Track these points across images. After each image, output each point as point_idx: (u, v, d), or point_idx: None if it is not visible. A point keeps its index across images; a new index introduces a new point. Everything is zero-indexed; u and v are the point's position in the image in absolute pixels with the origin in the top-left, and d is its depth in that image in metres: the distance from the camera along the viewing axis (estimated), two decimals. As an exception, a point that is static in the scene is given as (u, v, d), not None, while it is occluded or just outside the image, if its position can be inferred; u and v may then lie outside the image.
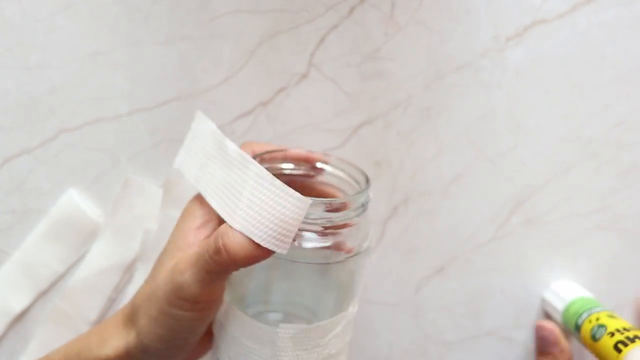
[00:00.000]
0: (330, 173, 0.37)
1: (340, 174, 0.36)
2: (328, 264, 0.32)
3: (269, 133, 0.46)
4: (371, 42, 0.45)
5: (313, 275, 0.33)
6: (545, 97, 0.46)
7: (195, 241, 0.31)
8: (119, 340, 0.33)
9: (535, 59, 0.46)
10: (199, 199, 0.33)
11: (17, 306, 0.46)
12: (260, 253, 0.27)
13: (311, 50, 0.45)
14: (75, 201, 0.46)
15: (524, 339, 0.50)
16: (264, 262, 0.28)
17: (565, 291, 0.47)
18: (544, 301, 0.49)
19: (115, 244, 0.46)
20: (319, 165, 0.37)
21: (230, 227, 0.28)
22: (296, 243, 0.30)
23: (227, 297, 0.32)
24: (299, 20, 0.45)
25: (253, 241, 0.27)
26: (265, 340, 0.30)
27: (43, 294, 0.47)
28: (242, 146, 0.37)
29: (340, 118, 0.46)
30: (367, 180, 0.34)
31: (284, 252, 0.27)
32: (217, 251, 0.28)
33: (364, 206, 0.32)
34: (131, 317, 0.33)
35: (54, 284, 0.47)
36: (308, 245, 0.30)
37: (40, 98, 0.45)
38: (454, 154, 0.47)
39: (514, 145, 0.47)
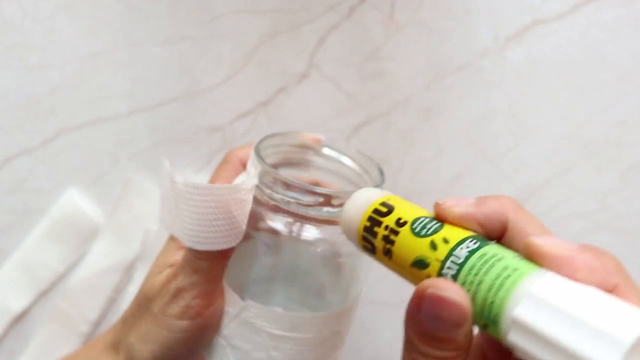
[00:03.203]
0: (341, 163, 0.35)
1: (352, 164, 0.35)
2: (332, 257, 0.32)
3: (269, 133, 0.46)
4: (371, 42, 0.45)
5: (321, 269, 0.33)
6: (545, 97, 0.46)
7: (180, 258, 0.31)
8: None
9: (535, 59, 0.46)
10: None
11: (17, 306, 0.46)
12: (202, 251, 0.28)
13: (311, 50, 0.45)
14: (75, 201, 0.46)
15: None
16: (264, 257, 0.28)
17: None
18: None
19: (115, 244, 0.46)
20: (326, 152, 0.36)
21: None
22: (295, 234, 0.30)
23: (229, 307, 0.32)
24: (299, 20, 0.45)
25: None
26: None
27: (43, 294, 0.47)
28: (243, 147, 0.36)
29: (340, 118, 0.46)
30: (381, 173, 0.32)
31: (234, 243, 0.28)
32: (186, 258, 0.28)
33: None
34: (121, 336, 0.32)
35: (54, 284, 0.47)
36: (309, 236, 0.30)
37: (40, 98, 0.45)
38: (454, 154, 0.47)
39: (514, 145, 0.47)
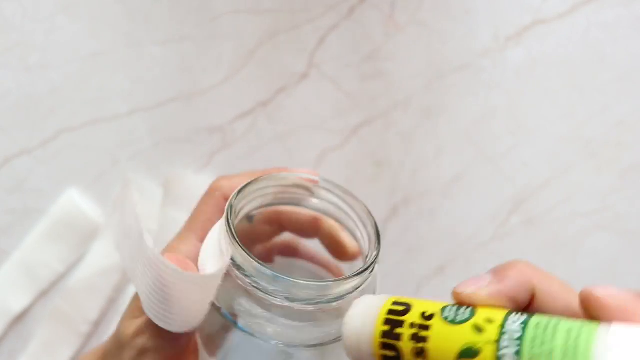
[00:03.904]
0: (338, 207, 0.31)
1: (350, 212, 0.30)
2: (323, 344, 0.27)
3: (269, 133, 0.46)
4: (371, 42, 0.45)
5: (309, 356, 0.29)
6: (545, 97, 0.46)
7: None
8: None
9: (535, 59, 0.46)
10: (169, 252, 0.30)
11: (17, 306, 0.46)
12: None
13: (311, 50, 0.45)
14: (75, 201, 0.46)
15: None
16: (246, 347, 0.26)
17: None
18: None
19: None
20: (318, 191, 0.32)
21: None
22: (279, 328, 0.26)
23: None
24: (299, 20, 0.45)
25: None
26: None
27: (43, 294, 0.47)
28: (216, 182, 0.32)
29: (340, 118, 0.46)
30: (377, 236, 0.28)
31: (193, 327, 0.25)
32: None
33: (370, 275, 0.27)
34: None
35: (54, 284, 0.47)
36: (294, 330, 0.26)
37: (40, 98, 0.45)
38: (454, 154, 0.47)
39: (514, 145, 0.47)
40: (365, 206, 0.30)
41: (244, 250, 0.25)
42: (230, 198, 0.27)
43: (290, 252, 0.35)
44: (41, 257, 0.46)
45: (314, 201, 0.31)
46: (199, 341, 0.29)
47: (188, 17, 0.44)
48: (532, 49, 0.45)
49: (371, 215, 0.29)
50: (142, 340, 0.27)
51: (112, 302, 0.47)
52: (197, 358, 0.29)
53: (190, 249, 0.29)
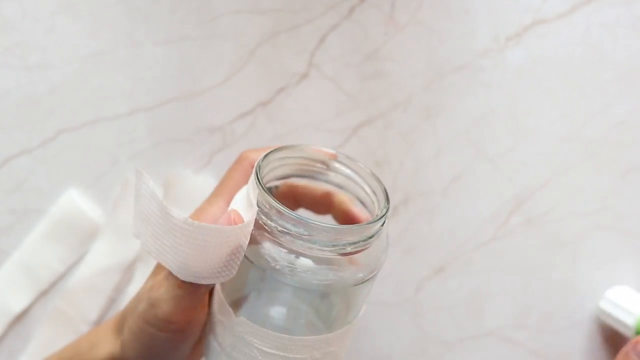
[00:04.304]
0: (353, 180, 0.34)
1: (363, 184, 0.33)
2: (328, 292, 0.30)
3: (269, 133, 0.46)
4: (371, 42, 0.45)
5: (316, 299, 0.32)
6: (545, 97, 0.46)
7: None
8: (107, 346, 0.32)
9: (535, 59, 0.46)
10: (198, 214, 0.32)
11: (17, 306, 0.46)
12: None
13: (311, 50, 0.45)
14: (75, 201, 0.46)
15: (525, 339, 0.50)
16: (263, 286, 0.28)
17: (628, 302, 0.46)
18: (601, 311, 0.48)
19: (115, 244, 0.46)
20: (334, 164, 0.34)
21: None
22: (299, 269, 0.29)
23: (221, 316, 0.31)
24: (299, 20, 0.45)
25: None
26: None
27: (43, 294, 0.47)
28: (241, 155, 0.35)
29: (340, 118, 0.46)
30: (387, 198, 0.30)
31: (227, 278, 0.27)
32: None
33: (381, 228, 0.29)
34: (120, 325, 0.33)
35: (54, 284, 0.47)
36: (305, 268, 0.29)
37: (40, 98, 0.45)
38: (454, 154, 0.47)
39: (514, 145, 0.47)
40: (374, 174, 0.32)
41: (269, 195, 0.27)
42: (258, 160, 0.30)
43: None
44: (41, 257, 0.46)
45: (330, 174, 0.33)
46: (220, 297, 0.30)
47: (188, 17, 0.44)
48: (532, 49, 0.45)
49: (380, 182, 0.31)
50: (159, 293, 0.29)
51: (112, 302, 0.47)
52: (205, 312, 0.31)
53: (218, 211, 0.31)
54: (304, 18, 0.45)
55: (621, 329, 0.46)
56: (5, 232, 0.46)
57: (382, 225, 0.29)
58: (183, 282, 0.28)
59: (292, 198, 0.34)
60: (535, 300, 0.49)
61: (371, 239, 0.29)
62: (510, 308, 0.49)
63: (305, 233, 0.27)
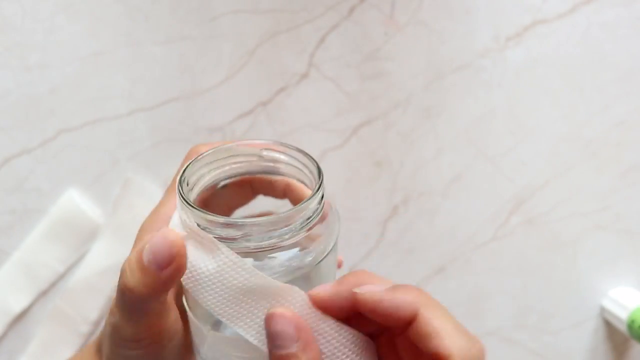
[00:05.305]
0: (283, 162, 0.32)
1: (293, 161, 0.31)
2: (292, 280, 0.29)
3: (269, 133, 0.46)
4: (371, 42, 0.45)
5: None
6: (545, 97, 0.46)
7: None
8: None
9: (535, 59, 0.46)
10: (154, 216, 0.31)
11: (17, 306, 0.46)
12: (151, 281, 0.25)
13: (311, 50, 0.45)
14: (75, 201, 0.46)
15: (525, 339, 0.50)
16: None
17: (625, 299, 0.47)
18: (603, 309, 0.49)
19: (115, 244, 0.46)
20: (267, 154, 0.32)
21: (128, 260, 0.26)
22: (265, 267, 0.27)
23: (199, 322, 0.31)
24: (299, 20, 0.45)
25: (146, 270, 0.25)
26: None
27: (43, 294, 0.47)
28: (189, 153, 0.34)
29: (340, 118, 0.46)
30: (319, 173, 0.28)
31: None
32: (121, 290, 0.26)
33: (318, 206, 0.27)
34: (99, 347, 0.32)
35: (54, 284, 0.47)
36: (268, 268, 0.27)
37: (40, 98, 0.45)
38: (454, 154, 0.47)
39: (514, 145, 0.47)
40: (304, 151, 0.30)
41: (190, 206, 0.26)
42: (179, 177, 0.28)
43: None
44: (41, 257, 0.46)
45: (264, 164, 0.32)
46: (192, 319, 0.29)
47: (188, 17, 0.44)
48: (532, 49, 0.45)
49: (313, 159, 0.29)
50: (116, 317, 0.28)
51: (111, 302, 0.47)
52: (175, 311, 0.29)
53: (171, 210, 0.31)
54: (303, 18, 0.45)
55: (621, 328, 0.47)
56: (5, 232, 0.46)
57: (321, 201, 0.27)
58: (126, 308, 0.26)
59: (248, 187, 0.34)
60: (535, 300, 0.49)
61: (309, 220, 0.27)
62: (510, 308, 0.49)
63: (239, 233, 0.26)
